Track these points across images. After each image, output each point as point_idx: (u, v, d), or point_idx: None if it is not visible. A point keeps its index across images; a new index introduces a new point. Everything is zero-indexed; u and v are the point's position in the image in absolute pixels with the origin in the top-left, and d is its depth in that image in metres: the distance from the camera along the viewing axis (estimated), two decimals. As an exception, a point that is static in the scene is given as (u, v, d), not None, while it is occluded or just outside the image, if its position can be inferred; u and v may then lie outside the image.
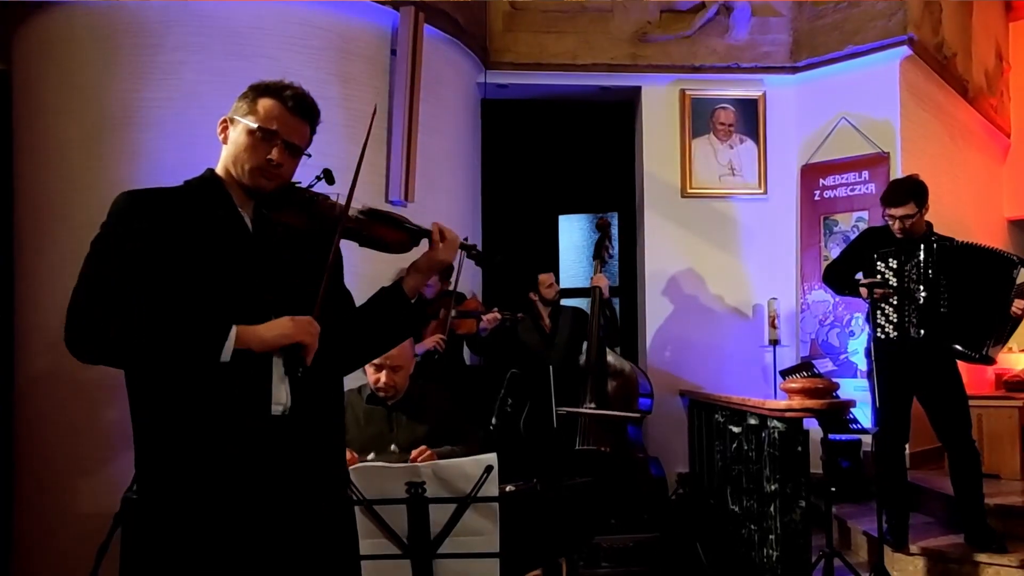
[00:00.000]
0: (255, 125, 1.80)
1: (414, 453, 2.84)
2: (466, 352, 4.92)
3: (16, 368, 4.48)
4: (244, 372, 1.71)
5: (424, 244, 1.99)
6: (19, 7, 4.40)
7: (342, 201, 1.86)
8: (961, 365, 3.94)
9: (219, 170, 1.87)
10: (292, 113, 1.83)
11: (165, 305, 1.68)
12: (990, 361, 3.90)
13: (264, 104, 1.83)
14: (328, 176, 1.87)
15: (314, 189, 1.89)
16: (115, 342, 1.65)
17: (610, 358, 4.83)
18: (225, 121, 1.87)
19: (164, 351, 1.66)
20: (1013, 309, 3.76)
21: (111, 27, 4.21)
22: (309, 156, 1.90)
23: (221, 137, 1.87)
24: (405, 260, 2.01)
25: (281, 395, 1.76)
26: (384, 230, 1.93)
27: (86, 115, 4.23)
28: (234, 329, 1.68)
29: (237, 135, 1.83)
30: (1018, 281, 3.77)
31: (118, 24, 4.20)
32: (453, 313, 4.34)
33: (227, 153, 1.85)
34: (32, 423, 4.33)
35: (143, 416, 1.75)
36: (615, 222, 6.49)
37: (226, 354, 1.67)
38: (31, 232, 4.43)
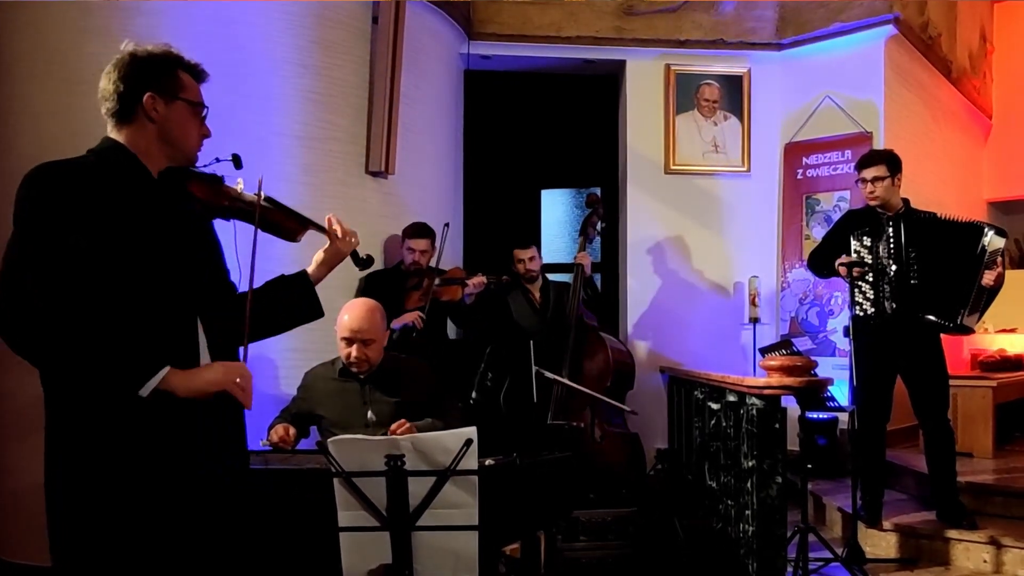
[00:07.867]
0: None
1: (394, 426, 2.82)
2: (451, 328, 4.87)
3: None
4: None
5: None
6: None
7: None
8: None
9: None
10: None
11: (105, 312, 1.66)
12: (967, 330, 3.93)
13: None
14: (236, 161, 1.96)
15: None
16: (49, 341, 1.62)
17: (601, 334, 4.82)
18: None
19: (91, 370, 1.64)
20: (984, 280, 3.79)
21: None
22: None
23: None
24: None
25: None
26: (280, 216, 2.02)
27: (59, 80, 4.12)
28: (165, 370, 1.68)
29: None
30: (989, 250, 3.79)
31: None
32: (437, 281, 4.26)
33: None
34: None
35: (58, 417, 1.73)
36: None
37: (146, 390, 1.66)
38: (3, 199, 4.33)
